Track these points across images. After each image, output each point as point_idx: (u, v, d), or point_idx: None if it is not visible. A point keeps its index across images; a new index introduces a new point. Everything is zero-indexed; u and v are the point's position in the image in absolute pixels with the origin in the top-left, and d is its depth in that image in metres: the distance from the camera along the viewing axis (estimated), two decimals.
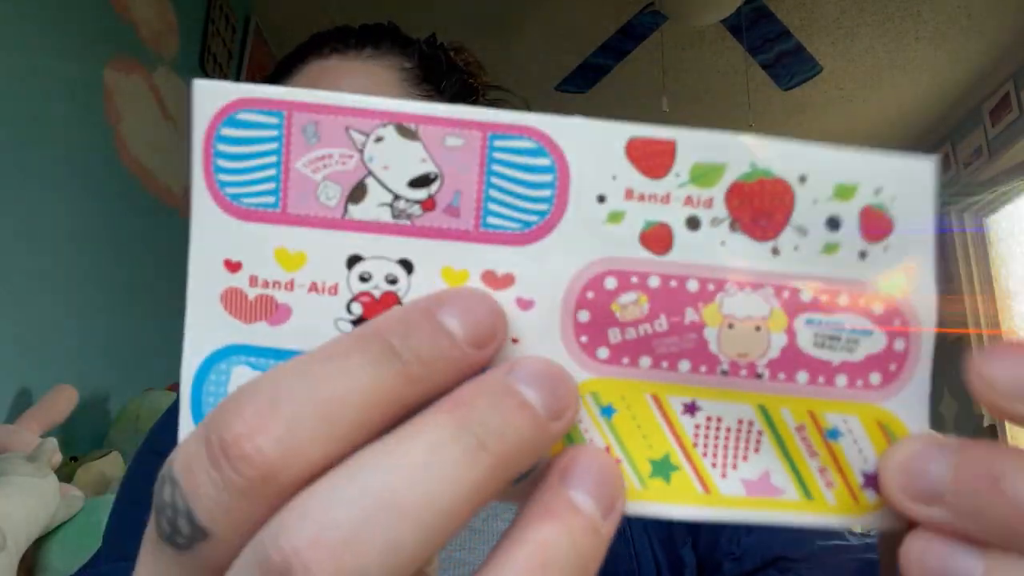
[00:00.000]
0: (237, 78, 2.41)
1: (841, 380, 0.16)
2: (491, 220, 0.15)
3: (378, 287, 0.16)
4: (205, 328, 0.16)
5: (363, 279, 0.16)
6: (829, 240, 0.16)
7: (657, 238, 0.16)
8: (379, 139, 0.15)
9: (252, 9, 2.53)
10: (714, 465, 0.16)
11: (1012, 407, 0.15)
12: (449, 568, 0.45)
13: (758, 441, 0.16)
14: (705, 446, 0.16)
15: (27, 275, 1.38)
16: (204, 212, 0.16)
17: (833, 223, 0.16)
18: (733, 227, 0.16)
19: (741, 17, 2.20)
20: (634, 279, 0.16)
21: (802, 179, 0.16)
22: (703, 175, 0.16)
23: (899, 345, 0.16)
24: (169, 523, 0.14)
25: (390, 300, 0.15)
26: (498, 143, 0.15)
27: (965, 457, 0.15)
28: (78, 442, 1.52)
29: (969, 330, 3.19)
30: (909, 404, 0.16)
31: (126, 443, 1.44)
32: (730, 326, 0.15)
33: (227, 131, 0.15)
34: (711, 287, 0.16)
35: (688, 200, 0.16)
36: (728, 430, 0.16)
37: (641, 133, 0.16)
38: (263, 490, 0.13)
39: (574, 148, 0.15)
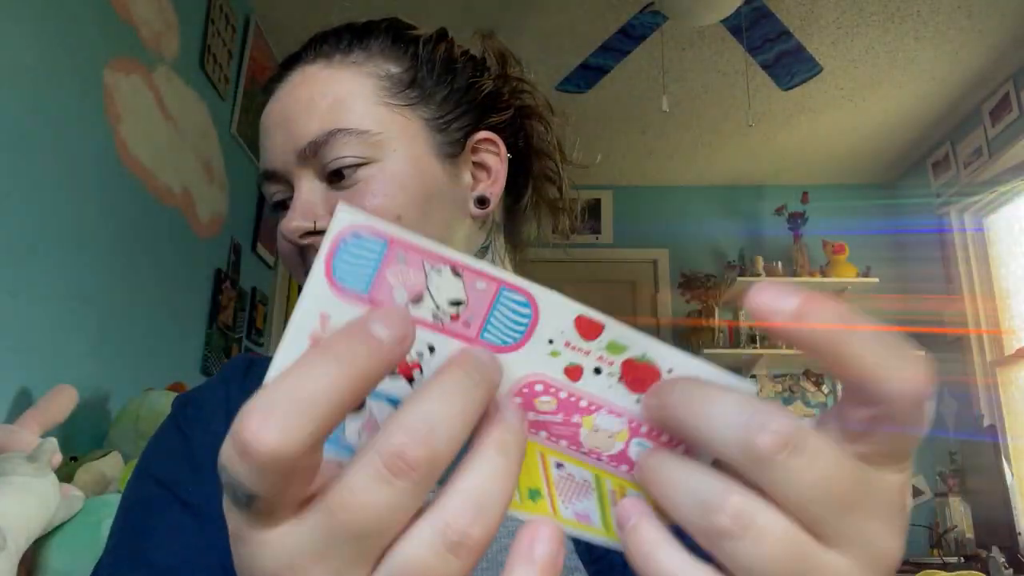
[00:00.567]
0: (237, 78, 2.41)
1: None
2: (486, 335, 0.25)
3: (411, 357, 0.25)
4: (293, 354, 0.23)
5: None
6: None
7: (574, 372, 0.26)
8: (439, 272, 0.24)
9: (252, 9, 2.54)
10: (562, 500, 0.27)
11: (769, 320, 0.22)
12: None
13: (589, 493, 0.27)
14: (560, 488, 0.27)
15: (27, 275, 1.39)
16: (317, 282, 0.24)
17: None
18: (620, 380, 0.26)
19: (741, 17, 2.20)
20: (552, 389, 0.26)
21: (669, 371, 0.26)
22: (613, 347, 0.25)
23: None
24: (231, 494, 0.22)
25: (415, 366, 0.25)
26: (505, 293, 0.25)
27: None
28: (78, 442, 1.52)
29: (969, 330, 3.19)
30: None
31: (126, 443, 1.44)
32: (595, 430, 0.26)
33: (350, 239, 0.24)
34: (593, 407, 0.26)
35: (600, 358, 0.25)
36: (575, 482, 0.27)
37: (586, 312, 0.25)
38: (275, 465, 0.20)
39: (546, 310, 0.25)
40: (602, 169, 3.67)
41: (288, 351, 0.23)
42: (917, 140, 3.45)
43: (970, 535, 2.87)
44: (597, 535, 0.27)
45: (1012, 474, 2.54)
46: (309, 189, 0.53)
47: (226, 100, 2.33)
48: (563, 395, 0.26)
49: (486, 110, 0.58)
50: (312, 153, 0.52)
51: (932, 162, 3.47)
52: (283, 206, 0.56)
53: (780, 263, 3.54)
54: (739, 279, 3.47)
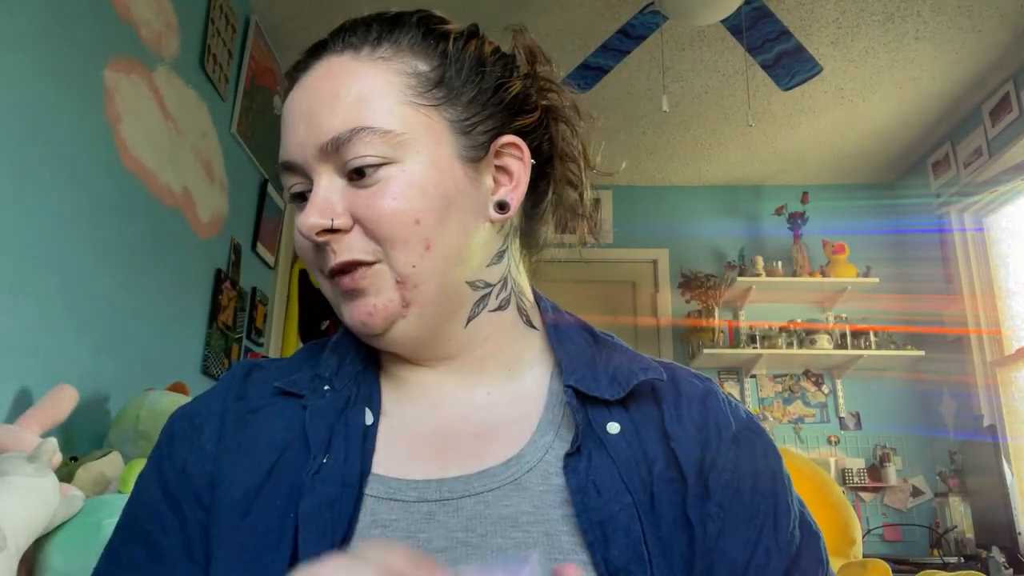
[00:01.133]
0: (237, 78, 2.41)
1: None
2: None
3: None
4: None
5: None
6: None
7: None
8: None
9: (252, 9, 2.54)
10: None
11: None
12: None
13: None
14: None
15: (27, 275, 1.38)
16: None
17: None
18: None
19: (741, 17, 2.20)
20: None
21: None
22: None
23: None
24: None
25: None
26: None
27: None
28: (78, 442, 1.52)
29: (969, 330, 3.19)
30: None
31: (126, 443, 1.44)
32: None
33: None
34: None
35: None
36: None
37: None
38: None
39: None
40: (602, 169, 3.66)
41: None
42: (917, 140, 3.45)
43: (970, 535, 2.87)
44: None
45: (1012, 474, 2.54)
46: (328, 185, 0.52)
47: (226, 100, 2.33)
48: None
49: (513, 113, 0.57)
50: (334, 149, 0.51)
51: (932, 162, 3.47)
52: (302, 197, 0.55)
53: (780, 263, 3.54)
54: (739, 279, 3.47)
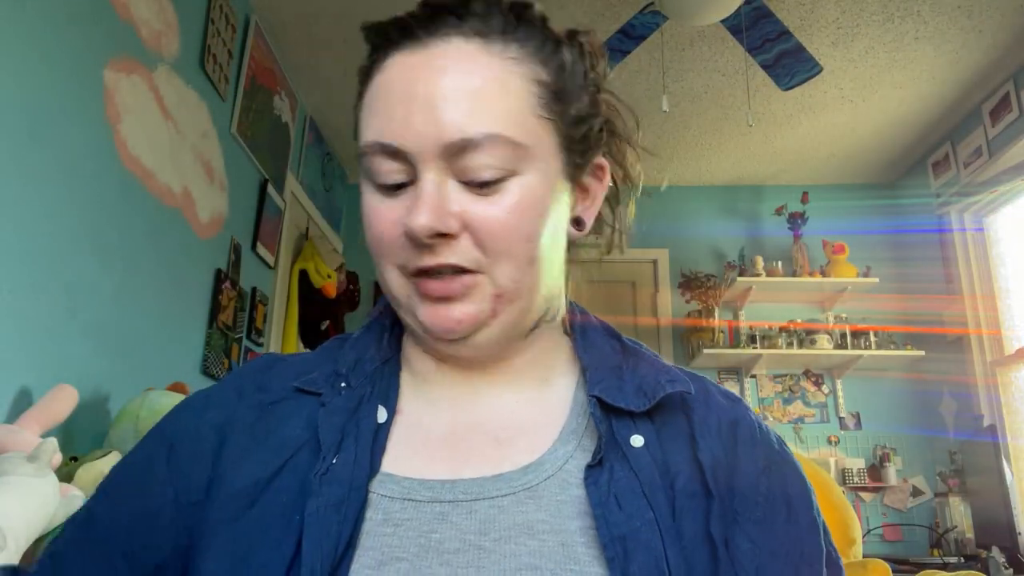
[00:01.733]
0: (237, 78, 2.41)
1: None
2: None
3: None
4: None
5: None
6: None
7: None
8: None
9: (252, 9, 2.54)
10: None
11: None
12: None
13: None
14: None
15: (27, 275, 1.39)
16: None
17: None
18: None
19: (741, 17, 2.20)
20: None
21: None
22: None
23: None
24: None
25: None
26: None
27: None
28: (78, 442, 1.52)
29: (969, 330, 3.19)
30: None
31: (126, 443, 1.44)
32: None
33: None
34: None
35: None
36: None
37: None
38: None
39: None
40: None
41: None
42: (917, 140, 3.45)
43: (970, 535, 2.88)
44: None
45: (1012, 474, 2.54)
46: (441, 183, 0.48)
47: (226, 100, 2.33)
48: None
49: (607, 132, 0.56)
50: (459, 150, 0.47)
51: (932, 162, 3.47)
52: (396, 187, 0.50)
53: (780, 263, 3.54)
54: (739, 279, 3.47)
